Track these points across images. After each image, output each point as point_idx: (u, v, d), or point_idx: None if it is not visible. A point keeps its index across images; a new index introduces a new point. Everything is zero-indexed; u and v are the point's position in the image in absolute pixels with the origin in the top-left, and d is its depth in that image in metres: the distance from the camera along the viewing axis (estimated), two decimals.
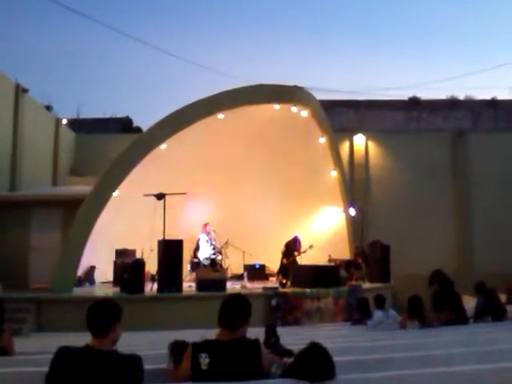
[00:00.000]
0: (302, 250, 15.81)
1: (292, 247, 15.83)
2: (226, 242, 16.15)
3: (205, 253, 16.18)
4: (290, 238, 16.11)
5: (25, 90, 18.58)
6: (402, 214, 21.41)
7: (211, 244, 16.33)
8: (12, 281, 13.83)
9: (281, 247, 16.13)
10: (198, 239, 16.41)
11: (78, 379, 3.28)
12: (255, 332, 5.82)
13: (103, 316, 3.52)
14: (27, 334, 10.71)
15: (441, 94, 32.33)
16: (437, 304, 7.05)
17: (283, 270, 15.76)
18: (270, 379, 3.68)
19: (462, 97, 26.82)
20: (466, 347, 5.01)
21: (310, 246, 15.71)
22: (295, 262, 15.74)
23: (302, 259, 16.01)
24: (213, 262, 16.03)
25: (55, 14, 78.26)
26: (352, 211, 18.23)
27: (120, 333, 3.60)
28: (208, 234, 16.49)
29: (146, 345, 7.32)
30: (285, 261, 15.81)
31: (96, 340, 3.48)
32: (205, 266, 15.80)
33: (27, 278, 15.29)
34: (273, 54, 75.81)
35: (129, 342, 8.07)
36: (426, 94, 27.06)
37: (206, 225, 16.69)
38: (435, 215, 21.66)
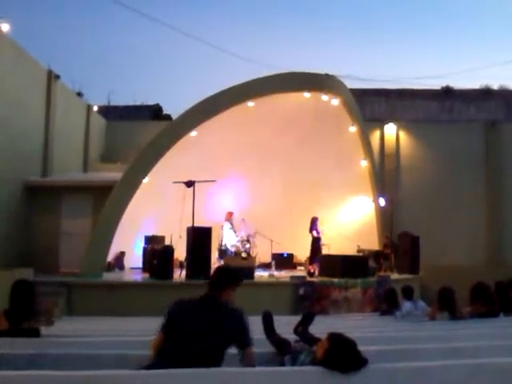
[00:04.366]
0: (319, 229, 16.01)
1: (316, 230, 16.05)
2: (255, 233, 16.18)
3: (231, 240, 16.22)
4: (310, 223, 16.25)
5: (57, 77, 18.75)
6: (433, 205, 21.20)
7: (234, 232, 16.39)
8: (43, 265, 14.05)
9: (308, 236, 16.17)
10: (222, 227, 16.43)
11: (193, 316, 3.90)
12: (283, 320, 5.85)
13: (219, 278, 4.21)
14: (58, 317, 10.87)
15: (474, 84, 31.85)
16: (471, 296, 6.97)
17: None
18: (300, 366, 3.71)
19: (496, 86, 26.41)
20: (495, 340, 4.96)
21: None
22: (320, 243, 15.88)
23: (331, 249, 16.03)
24: (237, 251, 16.07)
25: (85, 1, 78.87)
26: (382, 201, 18.10)
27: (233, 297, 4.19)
28: (231, 222, 16.53)
29: None
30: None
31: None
32: (233, 253, 15.86)
33: (58, 262, 15.52)
34: (305, 43, 75.45)
35: (157, 327, 8.16)
36: (459, 84, 26.72)
37: (230, 214, 16.71)
38: (466, 207, 21.40)
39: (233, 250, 16.02)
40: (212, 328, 3.81)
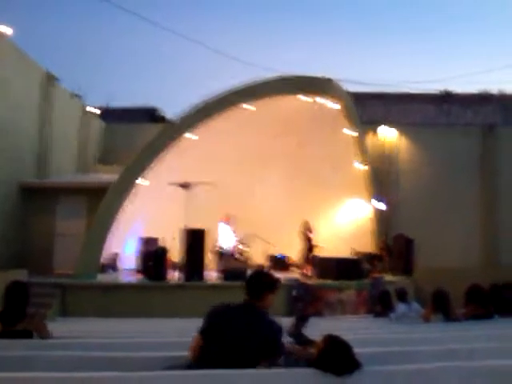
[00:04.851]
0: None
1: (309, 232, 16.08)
2: (250, 235, 16.12)
3: (227, 242, 16.15)
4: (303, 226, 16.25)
5: (55, 79, 18.75)
6: (429, 208, 21.20)
7: (233, 233, 16.32)
8: (37, 266, 14.05)
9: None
10: (218, 227, 16.36)
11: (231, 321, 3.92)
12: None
13: (258, 285, 4.17)
14: (52, 319, 10.84)
15: (472, 88, 31.85)
16: (466, 298, 6.96)
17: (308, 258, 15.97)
18: (297, 368, 3.71)
19: (494, 91, 26.41)
20: (490, 342, 4.96)
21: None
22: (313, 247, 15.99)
23: (326, 251, 16.02)
24: (232, 253, 16.05)
25: (84, 2, 78.72)
26: (378, 204, 18.10)
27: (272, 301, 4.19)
28: (228, 223, 16.45)
29: (171, 332, 7.36)
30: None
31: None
32: (230, 254, 15.82)
33: (52, 263, 15.51)
34: (303, 46, 75.38)
35: (154, 329, 8.15)
36: (457, 88, 26.73)
37: (228, 215, 16.62)
38: (462, 210, 21.40)
39: (227, 250, 15.98)
40: (250, 336, 3.85)
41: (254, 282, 4.22)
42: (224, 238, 16.21)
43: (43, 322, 5.55)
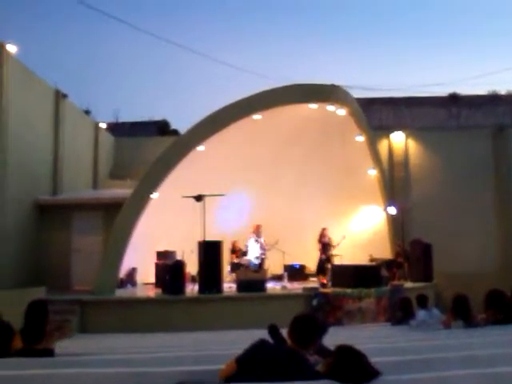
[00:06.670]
0: (334, 243, 15.97)
1: (327, 242, 15.99)
2: (277, 242, 15.98)
3: (254, 253, 16.04)
4: (319, 234, 16.20)
5: (64, 96, 18.91)
6: (444, 212, 21.08)
7: (260, 244, 16.18)
8: (55, 283, 14.13)
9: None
10: (248, 240, 16.26)
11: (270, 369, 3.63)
12: None
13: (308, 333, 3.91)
14: (72, 335, 10.87)
15: (481, 90, 31.72)
16: (486, 303, 6.89)
17: (322, 267, 15.91)
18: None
19: (503, 92, 26.33)
20: (511, 348, 4.90)
21: (343, 237, 15.94)
22: (331, 257, 15.97)
23: (343, 259, 15.95)
24: (261, 263, 15.99)
25: (92, 19, 79.51)
26: (392, 210, 18.02)
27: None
28: (258, 235, 16.30)
29: (189, 346, 7.36)
30: (323, 257, 15.90)
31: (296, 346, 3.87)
32: (256, 265, 15.72)
33: (70, 280, 15.61)
34: (310, 54, 75.62)
35: (171, 343, 8.15)
36: (466, 90, 26.63)
37: (258, 226, 16.47)
38: (477, 213, 21.25)
39: (256, 262, 15.91)
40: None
41: (304, 329, 3.93)
42: (253, 249, 16.06)
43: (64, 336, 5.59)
